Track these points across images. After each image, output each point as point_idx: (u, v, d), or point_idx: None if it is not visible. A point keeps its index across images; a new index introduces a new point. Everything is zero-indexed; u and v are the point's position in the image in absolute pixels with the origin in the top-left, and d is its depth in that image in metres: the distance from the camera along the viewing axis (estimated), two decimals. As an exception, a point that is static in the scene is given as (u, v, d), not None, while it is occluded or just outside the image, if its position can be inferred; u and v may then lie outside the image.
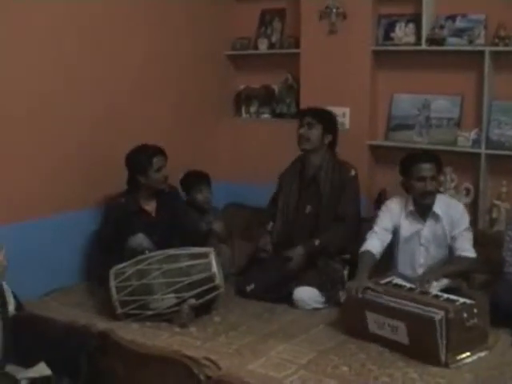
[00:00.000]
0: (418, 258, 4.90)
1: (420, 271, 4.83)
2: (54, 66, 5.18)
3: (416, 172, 4.81)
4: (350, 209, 5.22)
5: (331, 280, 5.02)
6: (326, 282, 5.02)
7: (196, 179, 5.92)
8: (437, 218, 4.86)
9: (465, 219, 4.86)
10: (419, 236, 4.90)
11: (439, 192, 5.03)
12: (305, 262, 5.13)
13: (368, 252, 4.82)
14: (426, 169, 4.79)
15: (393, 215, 4.96)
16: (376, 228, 4.94)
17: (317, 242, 5.13)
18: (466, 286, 4.78)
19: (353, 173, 5.30)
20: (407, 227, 4.94)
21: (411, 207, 4.91)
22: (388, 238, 4.94)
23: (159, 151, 5.18)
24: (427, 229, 4.89)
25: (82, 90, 5.38)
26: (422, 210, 4.89)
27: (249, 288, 5.18)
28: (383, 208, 5.05)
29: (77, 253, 5.46)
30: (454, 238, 4.81)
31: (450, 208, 4.87)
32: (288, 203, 5.39)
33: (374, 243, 4.88)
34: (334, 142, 5.43)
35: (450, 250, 4.86)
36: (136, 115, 5.81)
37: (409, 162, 4.89)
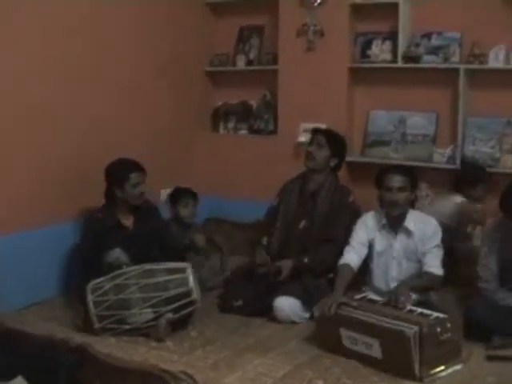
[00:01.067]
0: (391, 271, 4.93)
1: (393, 285, 4.86)
2: (38, 80, 5.21)
3: (385, 182, 4.85)
4: (342, 233, 5.17)
5: (314, 294, 5.02)
6: (308, 295, 5.01)
7: (184, 194, 5.99)
8: (409, 233, 4.89)
9: (437, 236, 4.88)
10: (391, 250, 4.94)
11: (413, 207, 5.05)
12: (290, 275, 5.12)
13: (346, 265, 4.85)
14: (395, 179, 4.82)
15: (368, 229, 4.99)
16: (353, 242, 4.97)
17: (305, 260, 5.13)
18: (438, 300, 4.81)
19: (351, 199, 5.34)
20: (380, 241, 4.97)
21: (384, 221, 4.95)
22: (364, 251, 4.97)
23: (138, 167, 5.19)
24: (398, 243, 4.92)
25: (62, 104, 5.40)
26: (393, 223, 4.93)
27: (236, 303, 5.18)
28: (359, 222, 5.08)
29: (55, 266, 5.45)
30: (423, 254, 4.84)
31: (424, 224, 4.89)
32: (286, 216, 5.41)
33: (352, 257, 4.91)
34: (338, 166, 5.48)
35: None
36: (114, 130, 5.83)
37: (381, 172, 4.95)
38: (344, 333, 4.35)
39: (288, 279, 5.12)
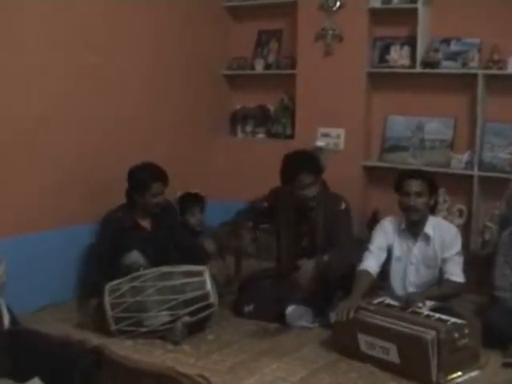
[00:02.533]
0: (409, 276, 4.92)
1: (410, 290, 4.86)
2: (55, 82, 5.23)
3: (403, 187, 4.83)
4: (345, 237, 5.10)
5: (324, 300, 5.01)
6: (320, 303, 5.01)
7: (190, 202, 6.03)
8: (428, 238, 4.87)
9: (457, 243, 4.85)
10: (410, 255, 4.92)
11: (433, 213, 5.03)
12: (313, 277, 4.90)
13: (365, 271, 4.82)
14: (412, 184, 4.79)
15: (387, 234, 4.97)
16: (371, 247, 4.94)
17: (326, 258, 4.97)
18: (457, 306, 4.79)
19: (343, 206, 5.20)
20: (399, 246, 4.95)
21: (403, 226, 4.93)
22: (383, 256, 4.95)
23: (162, 177, 5.19)
24: (417, 249, 4.90)
25: (82, 106, 5.43)
26: (412, 228, 4.91)
27: (247, 309, 5.17)
28: (377, 227, 5.07)
29: (72, 268, 5.47)
30: (444, 261, 4.81)
31: (443, 230, 4.87)
32: (288, 238, 5.35)
33: (371, 263, 4.88)
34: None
35: (439, 271, 4.87)
36: (133, 132, 5.86)
37: (400, 177, 4.92)
38: (361, 337, 4.34)
39: (311, 283, 4.92)
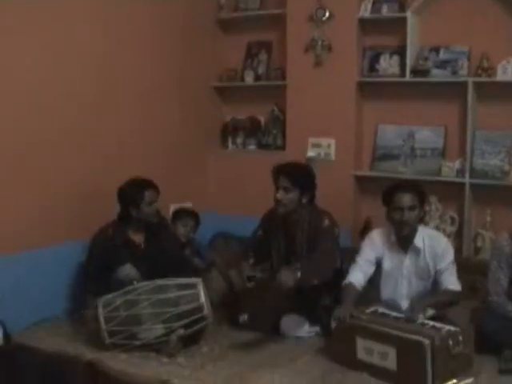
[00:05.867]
0: (400, 289, 4.90)
1: (402, 303, 4.85)
2: (44, 97, 5.21)
3: (394, 202, 4.78)
4: (327, 248, 5.03)
5: (320, 310, 5.01)
6: (316, 314, 5.01)
7: (183, 214, 6.04)
8: (418, 251, 4.84)
9: (449, 253, 4.84)
10: (401, 268, 4.89)
11: (422, 223, 5.02)
12: (293, 284, 4.78)
13: (351, 285, 4.81)
14: (404, 199, 4.74)
15: (376, 247, 4.95)
16: (359, 260, 4.92)
17: (298, 274, 4.79)
18: (451, 313, 4.80)
19: (326, 223, 5.13)
20: (389, 259, 4.93)
21: (393, 238, 4.90)
22: (371, 269, 4.93)
23: (151, 185, 5.21)
24: (408, 261, 4.88)
25: (72, 123, 5.41)
26: (403, 241, 4.88)
27: (241, 318, 5.15)
28: (366, 240, 5.04)
29: (64, 284, 5.44)
30: (439, 272, 4.80)
31: (433, 241, 4.85)
32: (277, 255, 5.34)
33: (357, 276, 4.86)
34: (313, 196, 5.24)
35: (435, 282, 4.85)
36: (123, 147, 5.84)
37: (389, 191, 4.86)
38: (360, 342, 4.34)
39: (291, 289, 4.82)
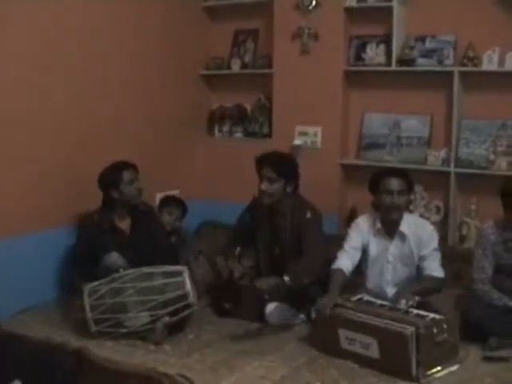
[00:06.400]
0: (386, 275, 4.94)
1: (388, 289, 4.89)
2: (30, 82, 5.19)
3: (384, 185, 4.83)
4: (309, 248, 5.03)
5: (304, 297, 5.03)
6: (296, 298, 5.02)
7: (173, 203, 6.03)
8: (403, 237, 4.89)
9: (433, 240, 4.89)
10: (386, 254, 4.94)
11: (409, 211, 5.05)
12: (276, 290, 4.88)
13: (339, 270, 4.84)
14: (394, 182, 4.81)
15: (362, 233, 4.99)
16: (346, 247, 4.96)
17: (287, 279, 4.79)
18: (435, 301, 4.82)
19: (308, 215, 5.13)
20: (375, 245, 4.97)
21: (378, 225, 4.94)
22: (358, 256, 4.97)
23: (128, 165, 5.22)
24: (394, 247, 4.92)
25: (57, 109, 5.40)
26: (389, 227, 4.93)
27: (227, 306, 5.19)
28: (353, 226, 5.08)
29: (51, 270, 5.45)
30: (422, 258, 4.85)
31: (418, 228, 4.90)
32: (263, 243, 5.36)
33: (345, 262, 4.90)
34: (296, 186, 5.24)
35: (418, 269, 4.90)
36: (109, 133, 5.83)
37: (378, 176, 4.92)
38: (342, 333, 4.37)
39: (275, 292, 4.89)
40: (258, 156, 5.20)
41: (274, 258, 5.32)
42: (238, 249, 5.46)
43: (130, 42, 6.02)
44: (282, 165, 5.15)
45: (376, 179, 4.91)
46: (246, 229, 5.49)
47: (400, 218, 4.88)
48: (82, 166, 5.54)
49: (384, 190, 4.83)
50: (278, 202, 5.17)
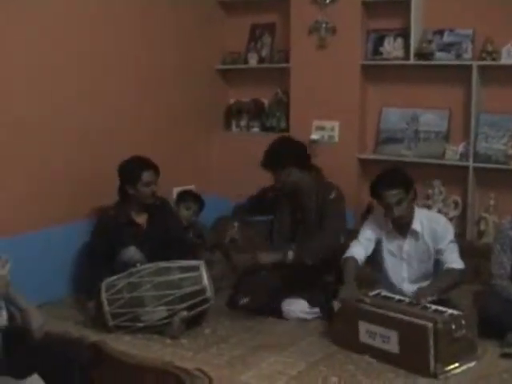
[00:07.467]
0: (402, 272, 4.90)
1: (404, 285, 4.86)
2: (42, 81, 5.21)
3: (381, 200, 4.77)
4: (330, 225, 5.07)
5: (322, 292, 5.02)
6: (316, 295, 5.03)
7: (191, 197, 6.05)
8: (416, 234, 4.82)
9: (449, 232, 4.82)
10: (401, 252, 4.89)
11: (416, 204, 4.96)
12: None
13: (352, 258, 4.82)
14: (390, 196, 4.68)
15: (376, 229, 4.94)
16: (360, 237, 4.94)
17: (290, 255, 4.96)
18: (454, 297, 4.79)
19: (333, 195, 5.14)
20: (389, 243, 4.92)
21: (390, 226, 4.89)
22: (371, 247, 4.93)
23: (151, 166, 5.19)
24: (407, 246, 4.87)
25: (69, 103, 5.41)
26: (401, 228, 4.87)
27: (242, 302, 5.15)
28: (368, 221, 5.05)
29: (67, 265, 5.47)
30: (440, 252, 4.78)
31: (432, 222, 4.83)
32: (281, 225, 5.35)
33: (358, 250, 4.87)
34: (305, 162, 5.23)
35: (437, 262, 4.84)
36: (128, 128, 5.86)
37: (374, 188, 4.82)
38: (363, 326, 4.35)
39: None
40: (261, 163, 5.24)
41: (295, 237, 5.28)
42: (236, 223, 5.41)
43: (146, 37, 6.03)
44: (283, 155, 5.15)
45: (374, 190, 4.83)
46: (264, 201, 5.47)
47: (410, 217, 4.81)
48: (99, 161, 5.57)
49: (381, 202, 4.79)
50: (298, 183, 5.16)
